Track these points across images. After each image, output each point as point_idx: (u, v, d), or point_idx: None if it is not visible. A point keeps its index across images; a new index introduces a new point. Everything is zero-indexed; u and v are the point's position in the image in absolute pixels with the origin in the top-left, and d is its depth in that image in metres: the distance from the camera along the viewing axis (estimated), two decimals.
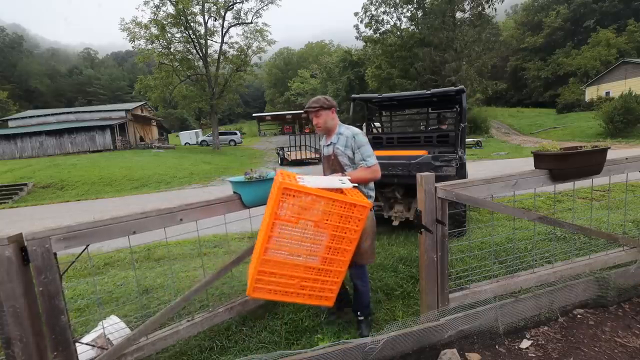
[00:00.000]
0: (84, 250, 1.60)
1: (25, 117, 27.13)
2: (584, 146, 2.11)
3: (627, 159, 2.28)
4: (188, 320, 2.00)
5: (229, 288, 2.73)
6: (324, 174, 2.23)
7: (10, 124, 26.55)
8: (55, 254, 1.50)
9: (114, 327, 1.89)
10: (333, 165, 2.15)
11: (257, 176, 2.11)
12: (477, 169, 9.74)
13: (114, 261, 3.78)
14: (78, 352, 1.64)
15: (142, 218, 1.67)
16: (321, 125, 2.14)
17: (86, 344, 1.70)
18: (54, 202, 10.73)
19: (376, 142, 5.28)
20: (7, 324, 1.39)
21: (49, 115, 26.92)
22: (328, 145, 2.20)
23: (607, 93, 28.97)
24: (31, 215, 8.41)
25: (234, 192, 2.13)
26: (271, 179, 2.05)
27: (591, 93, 31.48)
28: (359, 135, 2.07)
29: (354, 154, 2.08)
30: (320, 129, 2.17)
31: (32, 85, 56.14)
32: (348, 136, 2.08)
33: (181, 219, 1.75)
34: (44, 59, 68.93)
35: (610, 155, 2.17)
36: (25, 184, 13.19)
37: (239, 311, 2.24)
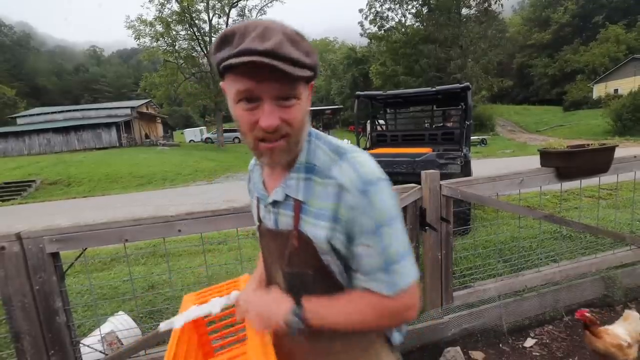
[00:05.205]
0: (81, 254, 1.56)
1: (33, 115, 27.49)
2: (591, 144, 2.09)
3: (635, 157, 2.25)
4: None
5: None
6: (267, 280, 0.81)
7: (19, 121, 26.93)
8: (56, 254, 1.48)
9: (122, 325, 1.92)
10: (292, 260, 0.67)
11: None
12: (482, 166, 9.66)
13: (121, 257, 3.83)
14: (87, 350, 1.65)
15: (134, 225, 1.52)
16: (292, 133, 0.61)
17: (88, 346, 1.69)
18: (62, 199, 10.87)
19: (380, 140, 5.26)
20: (17, 318, 1.42)
21: (56, 112, 27.18)
22: (274, 202, 0.70)
23: (616, 90, 28.50)
24: (42, 211, 8.53)
25: None
26: None
27: (599, 90, 31.00)
28: (378, 185, 0.58)
29: (350, 242, 0.60)
30: (278, 151, 0.63)
31: (40, 82, 56.81)
32: (346, 185, 0.57)
33: (180, 230, 1.59)
34: (51, 56, 69.66)
35: (618, 153, 2.14)
36: (34, 181, 13.39)
37: None
